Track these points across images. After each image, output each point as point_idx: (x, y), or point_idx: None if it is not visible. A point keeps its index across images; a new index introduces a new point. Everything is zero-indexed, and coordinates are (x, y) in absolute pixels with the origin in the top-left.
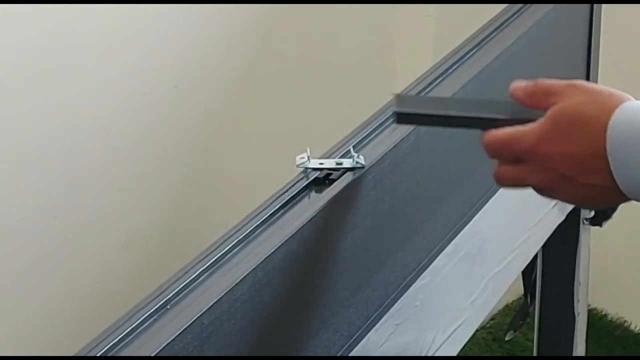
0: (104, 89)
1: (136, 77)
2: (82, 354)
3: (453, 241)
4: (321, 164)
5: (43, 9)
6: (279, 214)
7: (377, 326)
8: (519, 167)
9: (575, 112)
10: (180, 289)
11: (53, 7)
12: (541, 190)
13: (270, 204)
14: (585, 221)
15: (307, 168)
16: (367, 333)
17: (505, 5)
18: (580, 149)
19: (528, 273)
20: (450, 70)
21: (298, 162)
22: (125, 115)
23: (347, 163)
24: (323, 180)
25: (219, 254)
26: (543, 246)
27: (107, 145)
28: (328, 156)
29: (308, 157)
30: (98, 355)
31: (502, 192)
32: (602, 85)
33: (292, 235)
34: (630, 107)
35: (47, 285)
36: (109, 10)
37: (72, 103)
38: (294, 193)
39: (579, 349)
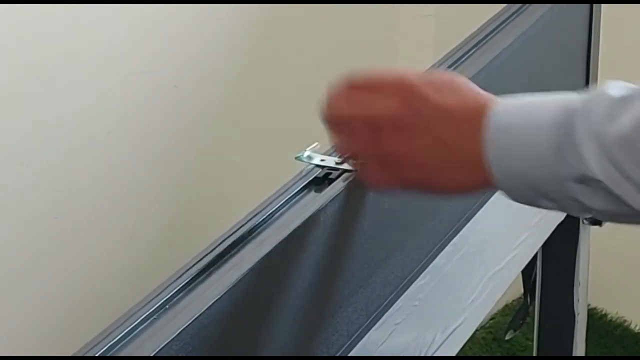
0: (104, 89)
1: (136, 77)
2: (81, 354)
3: (452, 240)
4: (322, 160)
5: (43, 9)
6: (278, 213)
7: (376, 326)
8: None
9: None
10: (180, 288)
11: (53, 7)
12: (399, 166)
13: (270, 203)
14: (585, 221)
15: (309, 163)
16: (366, 332)
17: (505, 5)
18: (460, 103)
19: (528, 272)
20: (449, 70)
21: (299, 154)
22: (125, 115)
23: (346, 163)
24: (322, 179)
25: (218, 253)
26: (543, 246)
27: (108, 145)
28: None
29: (309, 155)
30: (97, 355)
31: None
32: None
33: (291, 234)
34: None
35: (47, 285)
36: (109, 10)
37: (72, 103)
38: (293, 192)
39: (579, 349)
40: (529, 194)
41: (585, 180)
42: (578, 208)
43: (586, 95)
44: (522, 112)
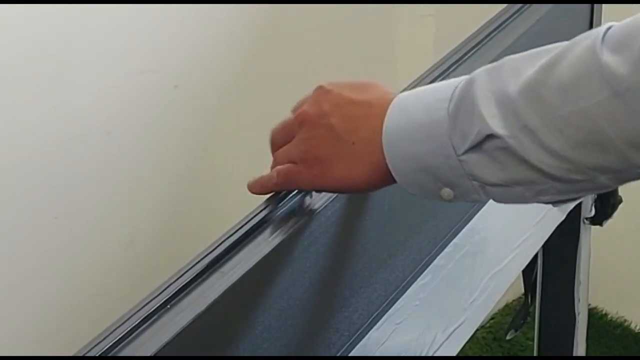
0: (105, 89)
1: (136, 77)
2: (81, 354)
3: (453, 240)
4: None
5: (43, 8)
6: (278, 213)
7: (377, 325)
8: (291, 142)
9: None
10: (180, 288)
11: (53, 7)
12: (306, 161)
13: (270, 203)
14: (585, 220)
15: None
16: (367, 332)
17: (505, 5)
18: (368, 95)
19: (528, 272)
20: (449, 70)
21: None
22: (125, 115)
23: None
24: None
25: (219, 253)
26: (543, 245)
27: (108, 145)
28: None
29: None
30: (98, 355)
31: None
32: None
33: (292, 235)
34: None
35: (47, 285)
36: (109, 10)
37: (73, 103)
38: (293, 192)
39: (580, 349)
40: (425, 179)
41: (482, 144)
42: (476, 189)
43: (492, 64)
44: (419, 94)
